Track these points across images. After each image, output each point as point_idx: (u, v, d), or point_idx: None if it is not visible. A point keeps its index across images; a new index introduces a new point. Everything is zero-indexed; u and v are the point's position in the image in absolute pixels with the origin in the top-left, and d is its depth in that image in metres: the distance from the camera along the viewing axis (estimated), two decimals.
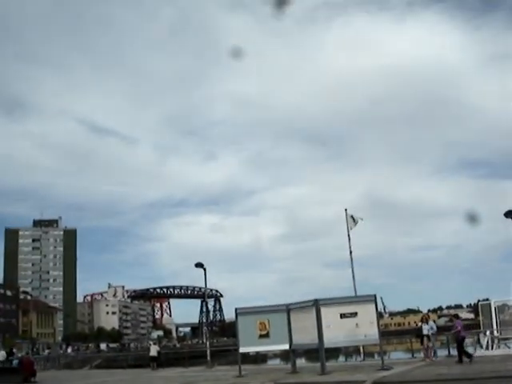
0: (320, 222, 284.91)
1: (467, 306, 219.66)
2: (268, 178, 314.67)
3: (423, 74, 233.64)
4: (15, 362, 33.27)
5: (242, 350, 21.78)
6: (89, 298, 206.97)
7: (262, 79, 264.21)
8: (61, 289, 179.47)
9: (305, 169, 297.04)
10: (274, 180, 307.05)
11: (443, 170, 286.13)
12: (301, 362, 28.52)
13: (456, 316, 24.15)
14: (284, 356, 32.90)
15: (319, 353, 19.85)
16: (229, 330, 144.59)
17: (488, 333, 27.18)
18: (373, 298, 19.75)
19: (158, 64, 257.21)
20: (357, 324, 19.13)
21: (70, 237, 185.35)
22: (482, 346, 26.51)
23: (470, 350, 28.26)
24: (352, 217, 29.48)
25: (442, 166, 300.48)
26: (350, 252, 29.26)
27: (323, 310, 19.33)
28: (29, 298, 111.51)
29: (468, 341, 34.47)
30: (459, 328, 20.00)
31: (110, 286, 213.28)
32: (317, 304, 19.49)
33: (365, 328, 19.11)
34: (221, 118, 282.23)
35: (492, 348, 25.88)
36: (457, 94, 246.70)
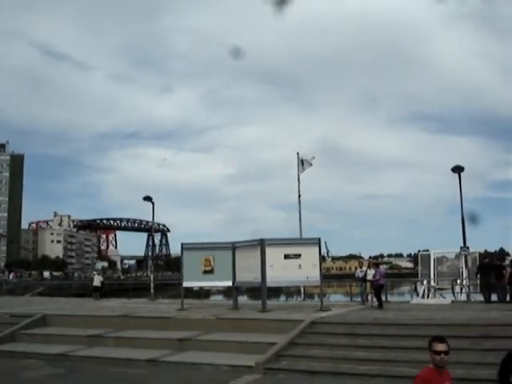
0: (271, 163, 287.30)
1: (408, 256, 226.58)
2: (223, 117, 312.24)
3: (387, 24, 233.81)
4: None
5: (185, 284, 21.97)
6: (34, 225, 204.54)
7: (223, 16, 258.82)
8: (5, 215, 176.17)
9: (260, 110, 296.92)
10: (229, 119, 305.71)
11: (397, 121, 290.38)
12: (243, 299, 29.07)
13: (377, 265, 25.11)
14: (227, 293, 33.42)
15: (261, 291, 20.22)
16: (174, 264, 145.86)
17: (425, 282, 28.14)
18: (317, 241, 20.04)
19: None
20: (300, 265, 19.47)
21: (17, 162, 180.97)
22: (418, 294, 27.47)
23: (406, 297, 29.43)
24: (303, 161, 29.54)
25: (396, 117, 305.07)
26: (299, 195, 29.50)
27: (268, 250, 19.56)
28: None
29: (405, 289, 35.71)
30: (378, 277, 21.02)
31: (55, 214, 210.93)
32: (262, 244, 19.69)
33: (307, 270, 19.47)
34: (180, 51, 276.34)
35: (428, 297, 26.82)
36: (418, 48, 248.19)
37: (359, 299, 24.29)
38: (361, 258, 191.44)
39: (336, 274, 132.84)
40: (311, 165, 29.70)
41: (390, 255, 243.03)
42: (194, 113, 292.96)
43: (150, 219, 35.82)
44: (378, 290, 21.13)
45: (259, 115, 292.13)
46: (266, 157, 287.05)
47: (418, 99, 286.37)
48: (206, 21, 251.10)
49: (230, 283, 21.37)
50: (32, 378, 13.87)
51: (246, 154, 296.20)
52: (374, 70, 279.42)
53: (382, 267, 32.28)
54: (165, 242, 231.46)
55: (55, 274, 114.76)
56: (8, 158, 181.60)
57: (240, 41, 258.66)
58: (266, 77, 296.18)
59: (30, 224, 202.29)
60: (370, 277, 22.19)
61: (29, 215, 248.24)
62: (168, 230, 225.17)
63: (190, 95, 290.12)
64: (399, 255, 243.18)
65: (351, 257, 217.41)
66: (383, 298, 22.04)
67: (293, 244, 20.26)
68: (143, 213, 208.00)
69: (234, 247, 21.03)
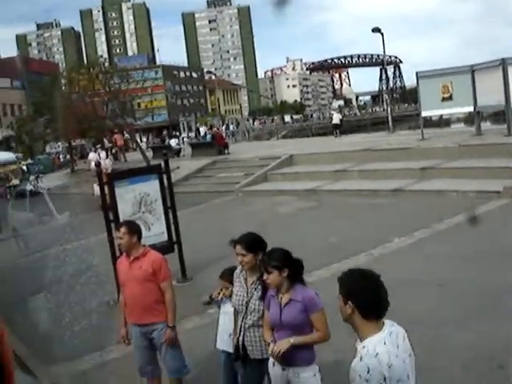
0: None
1: None
2: None
3: None
4: (208, 136, 36.14)
5: (424, 113, 21.60)
6: (269, 73, 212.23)
7: None
8: (242, 66, 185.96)
9: None
10: None
11: None
12: (485, 125, 27.86)
13: None
14: (468, 120, 32.24)
15: (506, 114, 19.14)
16: (410, 96, 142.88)
17: None
18: None
19: None
20: None
21: (244, 14, 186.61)
22: None
23: None
24: None
25: None
26: None
27: (511, 70, 18.19)
28: (213, 77, 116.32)
29: None
30: None
31: (288, 60, 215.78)
32: (504, 63, 18.21)
33: None
34: None
35: None
36: None
37: None
38: None
39: None
40: None
41: None
42: None
43: (381, 52, 35.13)
44: None
45: None
46: None
47: None
48: None
49: (470, 108, 20.44)
50: (287, 211, 15.34)
51: None
52: None
53: None
54: (398, 75, 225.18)
55: (295, 117, 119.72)
56: (235, 11, 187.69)
57: None
58: None
59: (265, 72, 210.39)
60: None
61: (263, 63, 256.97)
62: (401, 62, 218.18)
63: None
64: None
65: None
66: None
67: None
68: (374, 47, 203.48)
69: (473, 70, 19.86)
